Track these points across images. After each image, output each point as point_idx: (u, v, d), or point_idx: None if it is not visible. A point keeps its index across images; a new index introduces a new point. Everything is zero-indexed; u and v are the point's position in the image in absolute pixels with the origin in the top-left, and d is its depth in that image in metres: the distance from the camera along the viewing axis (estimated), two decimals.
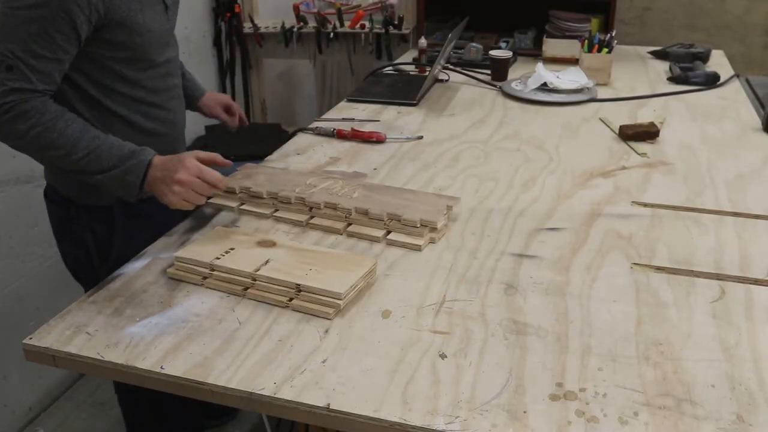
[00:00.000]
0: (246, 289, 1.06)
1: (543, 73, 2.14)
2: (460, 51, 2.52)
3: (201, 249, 1.14)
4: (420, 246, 1.18)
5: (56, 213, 1.38)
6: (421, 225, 1.20)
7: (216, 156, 1.24)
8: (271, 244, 1.16)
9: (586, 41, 2.30)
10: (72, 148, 1.14)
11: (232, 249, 1.13)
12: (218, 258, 1.10)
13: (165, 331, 0.99)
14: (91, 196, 1.31)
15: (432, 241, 1.21)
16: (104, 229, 1.34)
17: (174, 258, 1.12)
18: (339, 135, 1.75)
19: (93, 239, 1.35)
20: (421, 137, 1.74)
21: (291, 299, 1.03)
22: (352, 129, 1.75)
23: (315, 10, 3.13)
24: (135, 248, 1.22)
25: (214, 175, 1.19)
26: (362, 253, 1.18)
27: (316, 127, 1.80)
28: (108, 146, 1.17)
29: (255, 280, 1.06)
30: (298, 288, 1.03)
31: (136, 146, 1.20)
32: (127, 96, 1.27)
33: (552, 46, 2.45)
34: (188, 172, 1.16)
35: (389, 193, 1.32)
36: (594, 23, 2.65)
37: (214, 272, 1.09)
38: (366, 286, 1.08)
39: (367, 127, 1.83)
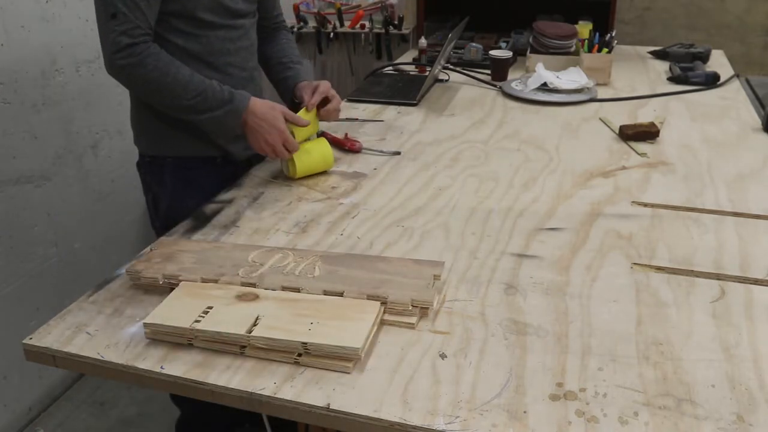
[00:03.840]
0: (243, 347, 0.93)
1: (543, 73, 2.14)
2: (460, 51, 2.52)
3: (173, 312, 0.98)
4: (414, 324, 0.99)
5: (141, 178, 1.60)
6: (413, 306, 1.00)
7: (298, 119, 1.45)
8: (254, 297, 1.01)
9: (586, 41, 2.30)
10: (183, 91, 1.33)
11: (210, 308, 0.98)
12: (197, 321, 0.95)
13: None
14: (165, 146, 1.50)
15: (424, 315, 1.02)
16: (159, 190, 1.55)
17: (143, 325, 0.97)
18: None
19: (152, 198, 1.57)
20: (398, 153, 1.65)
21: (299, 354, 0.91)
22: (325, 133, 1.71)
23: (315, 10, 3.13)
24: (183, 209, 1.37)
25: (293, 145, 1.43)
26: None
27: None
28: (211, 90, 1.36)
29: (251, 341, 0.93)
30: (305, 345, 0.91)
31: (233, 91, 1.39)
32: (181, 49, 1.40)
33: (535, 63, 2.29)
34: (277, 135, 1.40)
35: (357, 266, 1.09)
36: (584, 29, 2.49)
37: (198, 337, 0.94)
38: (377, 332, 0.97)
39: (364, 128, 1.83)
